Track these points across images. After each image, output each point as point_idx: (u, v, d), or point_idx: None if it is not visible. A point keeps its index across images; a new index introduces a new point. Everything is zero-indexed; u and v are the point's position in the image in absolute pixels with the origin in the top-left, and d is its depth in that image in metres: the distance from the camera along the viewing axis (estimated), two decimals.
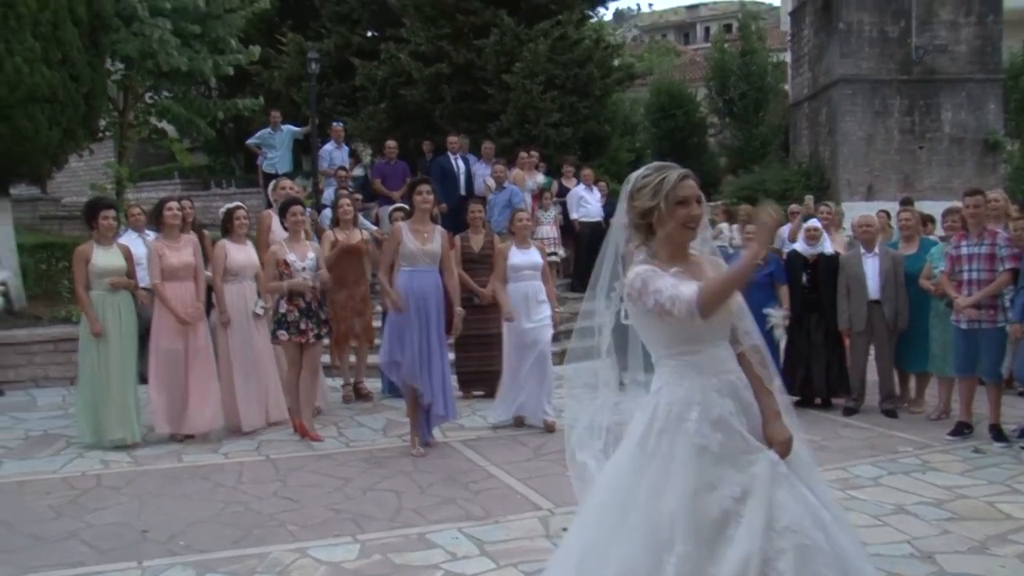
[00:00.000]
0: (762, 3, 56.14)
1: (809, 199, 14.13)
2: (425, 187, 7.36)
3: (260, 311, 8.24)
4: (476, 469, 6.97)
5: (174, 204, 7.92)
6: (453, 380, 9.11)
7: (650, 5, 57.06)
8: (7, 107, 10.05)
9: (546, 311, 8.24)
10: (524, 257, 8.29)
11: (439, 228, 7.47)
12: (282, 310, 7.67)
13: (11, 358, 10.18)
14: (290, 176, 13.38)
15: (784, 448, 3.11)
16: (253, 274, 8.20)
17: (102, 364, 7.49)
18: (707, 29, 62.02)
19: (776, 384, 3.29)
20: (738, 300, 3.26)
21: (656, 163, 3.31)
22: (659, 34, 63.45)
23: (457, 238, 9.50)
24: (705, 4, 65.53)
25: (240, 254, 8.11)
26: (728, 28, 55.15)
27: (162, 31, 11.10)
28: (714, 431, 3.08)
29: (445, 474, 6.81)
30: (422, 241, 7.23)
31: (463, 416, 8.66)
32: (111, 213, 7.68)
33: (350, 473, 6.83)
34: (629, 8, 68.35)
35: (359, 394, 9.38)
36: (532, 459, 7.25)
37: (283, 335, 7.64)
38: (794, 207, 13.33)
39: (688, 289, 3.01)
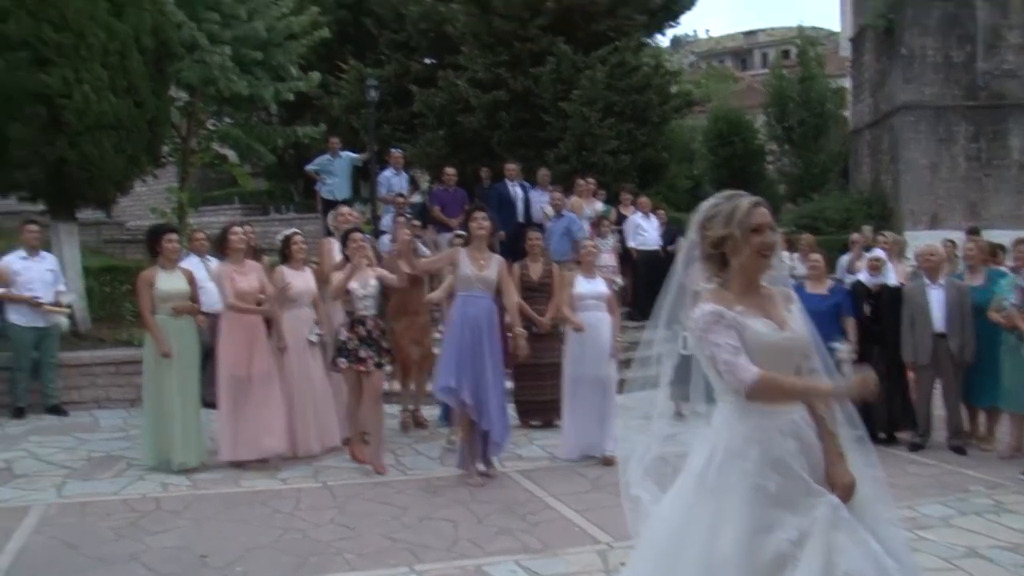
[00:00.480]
0: (820, 28, 55.84)
1: (867, 229, 13.87)
2: (481, 214, 7.38)
3: (315, 338, 8.24)
4: (534, 500, 6.89)
5: (239, 229, 7.99)
6: (511, 408, 9.09)
7: (707, 31, 56.78)
8: (76, 134, 10.24)
9: (608, 342, 8.11)
10: (589, 287, 8.21)
11: (497, 257, 7.45)
12: (343, 337, 7.62)
13: (75, 379, 10.33)
14: (348, 202, 13.49)
15: (846, 492, 3.02)
16: (310, 300, 8.22)
17: (165, 388, 7.55)
18: (764, 55, 61.73)
19: (843, 419, 3.22)
20: (806, 336, 3.18)
21: (726, 192, 3.24)
22: (716, 60, 63.28)
23: (516, 266, 9.46)
24: (763, 30, 65.20)
25: (298, 280, 8.12)
26: (786, 54, 54.88)
27: (222, 58, 11.25)
28: (773, 472, 3.02)
29: (502, 504, 6.74)
30: (479, 268, 7.23)
31: (520, 446, 8.61)
32: (175, 236, 7.79)
33: (407, 501, 6.79)
34: (686, 34, 68.25)
35: (416, 422, 9.35)
36: (590, 491, 7.15)
37: (342, 363, 7.59)
38: (855, 236, 13.12)
39: (746, 369, 2.98)
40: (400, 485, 7.27)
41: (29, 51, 10.03)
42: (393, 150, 14.87)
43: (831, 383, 3.00)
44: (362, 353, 7.56)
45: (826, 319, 8.33)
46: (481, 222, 7.31)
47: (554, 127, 16.31)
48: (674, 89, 18.20)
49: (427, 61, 19.41)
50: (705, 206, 3.22)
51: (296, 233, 8.31)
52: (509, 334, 7.67)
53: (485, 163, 15.97)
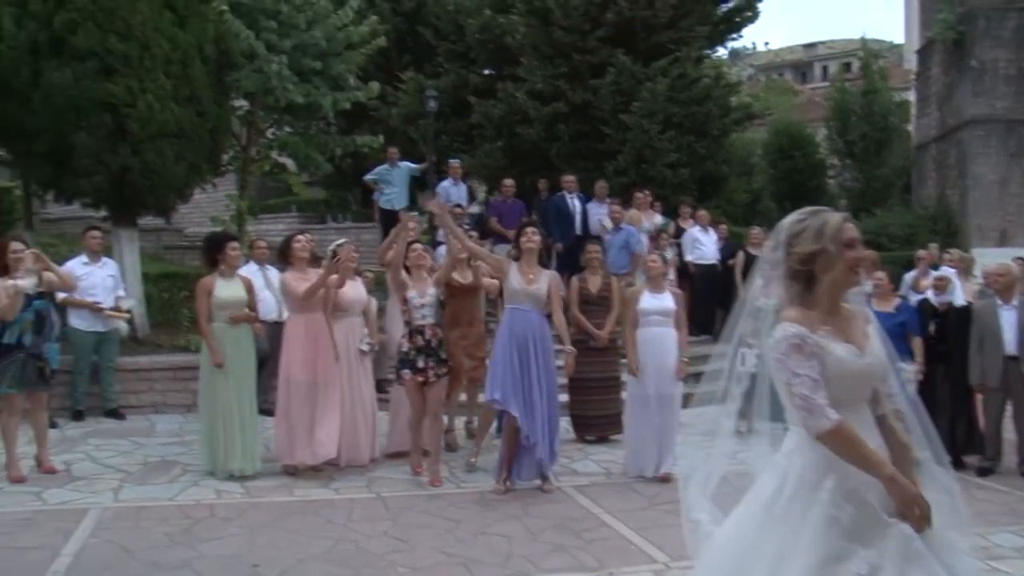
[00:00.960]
0: (883, 41, 55.05)
1: (933, 246, 13.54)
2: (532, 228, 7.44)
3: (366, 347, 8.25)
4: (589, 516, 6.78)
5: (302, 237, 8.00)
6: (566, 423, 8.98)
7: (766, 44, 56.18)
8: (139, 143, 10.36)
9: (673, 359, 7.94)
10: (655, 302, 8.01)
11: (548, 272, 7.37)
12: (404, 348, 7.58)
13: (133, 384, 10.43)
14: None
15: (920, 522, 2.87)
16: (361, 310, 8.26)
17: (221, 395, 7.56)
18: (825, 68, 61.04)
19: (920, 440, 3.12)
20: (884, 360, 3.08)
21: (808, 208, 3.13)
22: (775, 73, 62.62)
23: (574, 279, 9.38)
24: (824, 42, 64.45)
25: (349, 290, 8.11)
26: (847, 67, 54.29)
27: (280, 67, 11.31)
28: (847, 502, 2.91)
29: (557, 520, 6.63)
30: (527, 281, 7.15)
31: (575, 460, 8.50)
32: (237, 244, 7.83)
33: (461, 515, 6.71)
34: (745, 47, 67.64)
35: (469, 434, 9.24)
36: (647, 508, 7.02)
37: (406, 374, 7.53)
38: (921, 253, 12.83)
39: (823, 414, 2.89)
40: (454, 498, 7.20)
41: (96, 61, 10.18)
42: (451, 160, 14.85)
43: (900, 477, 2.87)
44: (420, 363, 7.49)
45: (892, 338, 8.05)
46: (532, 236, 7.32)
47: (613, 139, 16.16)
48: (734, 102, 17.95)
49: (485, 72, 19.39)
50: (788, 222, 3.11)
51: (345, 242, 8.28)
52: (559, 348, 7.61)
53: (543, 175, 15.89)
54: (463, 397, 9.39)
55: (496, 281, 7.98)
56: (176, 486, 7.43)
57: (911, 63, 33.90)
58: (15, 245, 7.32)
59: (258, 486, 7.46)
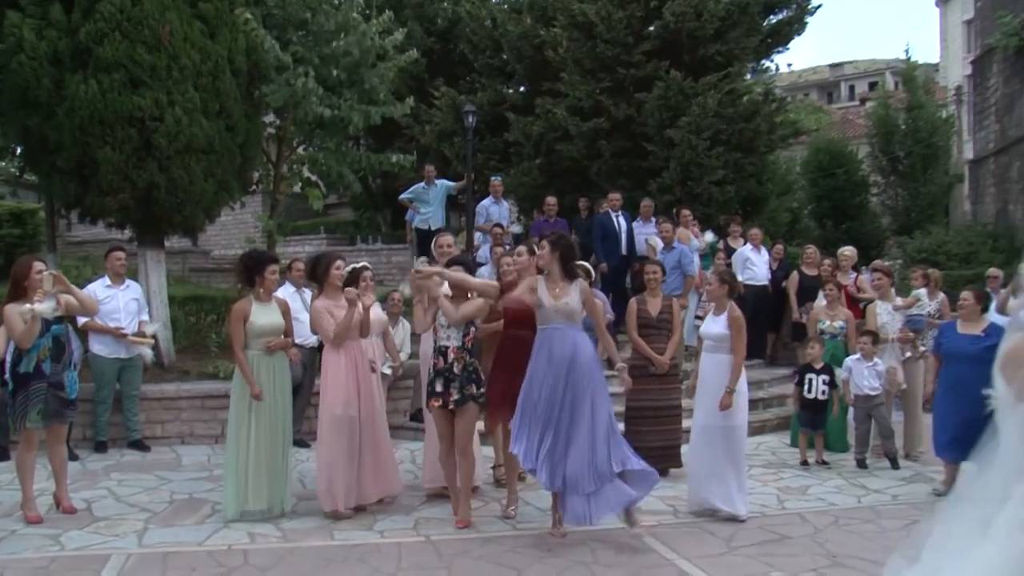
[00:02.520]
0: (905, 59, 54.41)
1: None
2: (544, 242, 6.70)
3: (388, 370, 7.86)
4: (664, 564, 6.08)
5: (342, 263, 7.36)
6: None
7: (789, 65, 55.47)
8: (166, 158, 9.81)
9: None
10: (715, 326, 7.38)
11: (578, 282, 6.57)
12: (430, 372, 6.96)
13: (158, 413, 9.82)
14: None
15: None
16: (380, 331, 7.77)
17: (253, 429, 6.93)
18: (852, 87, 60.49)
19: None
20: None
21: None
22: (801, 93, 61.93)
23: (632, 301, 8.73)
24: (849, 62, 63.91)
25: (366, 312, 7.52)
26: (872, 86, 53.73)
27: (306, 79, 10.72)
28: None
29: (630, 569, 5.95)
30: (554, 296, 6.46)
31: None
32: (276, 268, 7.23)
33: (521, 562, 6.04)
34: (767, 68, 66.96)
35: (498, 482, 8.41)
36: (725, 552, 6.32)
37: (434, 401, 6.87)
38: (993, 271, 12.11)
39: None
40: (511, 542, 6.51)
41: (122, 73, 9.64)
42: (493, 178, 14.24)
43: None
44: (439, 386, 6.81)
45: (981, 363, 7.42)
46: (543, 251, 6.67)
47: (657, 156, 15.50)
48: (778, 119, 17.25)
49: (522, 89, 18.85)
50: None
51: (365, 267, 7.65)
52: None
53: (582, 194, 15.31)
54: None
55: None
56: (206, 528, 6.80)
57: (946, 79, 33.24)
58: (37, 265, 6.72)
59: (295, 528, 6.81)
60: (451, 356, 6.79)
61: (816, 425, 9.12)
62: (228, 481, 7.05)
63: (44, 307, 6.51)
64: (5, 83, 9.97)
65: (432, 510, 7.29)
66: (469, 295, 6.90)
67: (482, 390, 6.90)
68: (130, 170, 9.75)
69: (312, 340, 9.02)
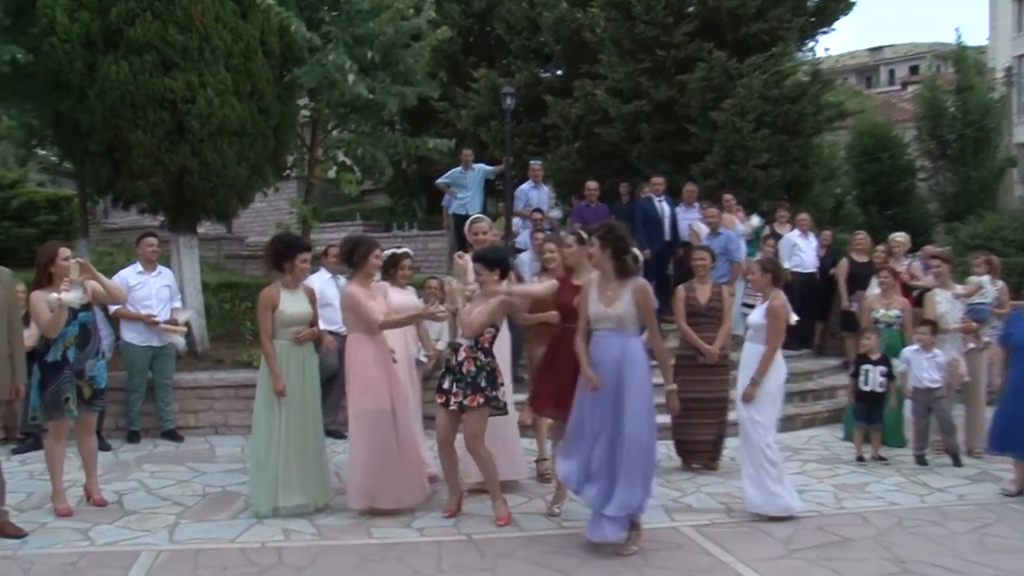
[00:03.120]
0: (945, 44, 53.63)
1: None
2: (592, 238, 6.19)
3: (424, 358, 7.61)
4: (720, 567, 5.74)
5: (380, 251, 7.03)
6: (666, 448, 8.01)
7: (826, 50, 54.53)
8: (198, 141, 9.57)
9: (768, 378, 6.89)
10: (755, 315, 7.07)
11: (632, 283, 6.01)
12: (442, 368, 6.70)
13: (192, 403, 9.60)
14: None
15: None
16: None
17: (283, 421, 6.65)
18: (891, 71, 59.65)
19: None
20: None
21: None
22: (839, 78, 61.04)
23: (680, 289, 8.38)
24: (888, 46, 62.95)
25: (400, 299, 7.27)
26: (913, 70, 52.92)
27: (340, 58, 10.40)
28: None
29: (683, 571, 5.62)
30: (606, 302, 5.98)
31: (687, 493, 7.44)
32: (308, 256, 6.91)
33: (569, 564, 5.72)
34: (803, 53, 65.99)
35: (541, 477, 7.91)
36: (785, 556, 5.97)
37: (438, 398, 6.55)
38: None
39: None
40: (557, 542, 6.18)
41: (154, 54, 9.41)
42: (532, 162, 13.89)
43: None
44: (445, 383, 6.47)
45: None
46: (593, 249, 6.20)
47: (700, 139, 15.07)
48: (823, 100, 16.72)
49: (559, 72, 18.47)
50: None
51: (406, 254, 7.41)
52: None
53: (622, 178, 14.92)
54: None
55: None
56: (239, 524, 6.54)
57: (994, 60, 32.42)
58: (63, 251, 6.49)
59: (331, 525, 6.53)
60: (462, 355, 6.44)
61: (872, 419, 8.71)
62: (256, 477, 6.77)
63: (71, 296, 6.27)
64: (38, 66, 9.78)
65: (472, 505, 6.96)
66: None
67: (495, 393, 6.48)
68: (162, 154, 9.54)
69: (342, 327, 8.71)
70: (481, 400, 6.39)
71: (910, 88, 41.77)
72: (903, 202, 23.34)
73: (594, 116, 15.96)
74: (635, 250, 6.26)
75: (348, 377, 6.82)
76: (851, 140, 24.99)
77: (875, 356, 8.77)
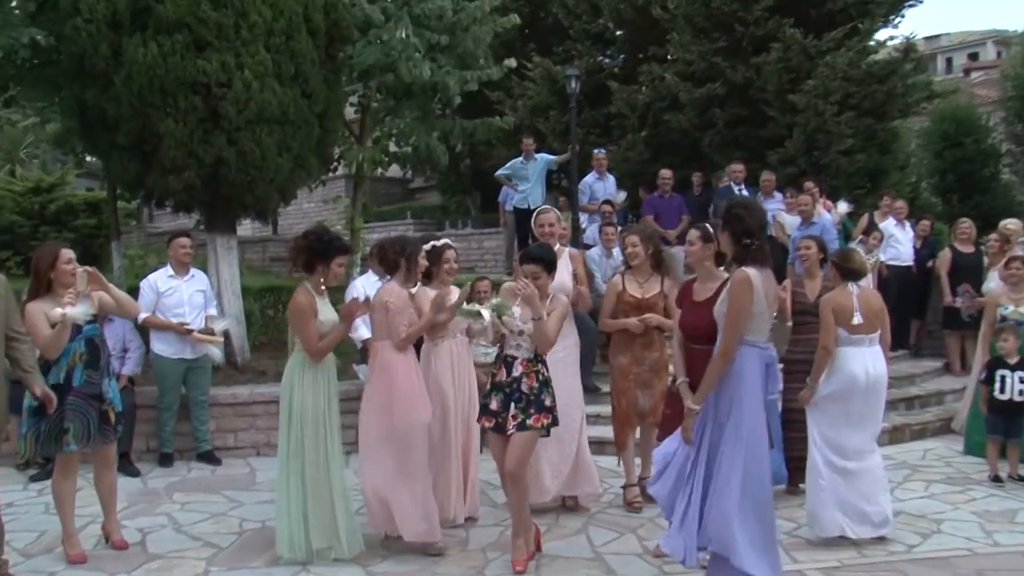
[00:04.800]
0: (1003, 30, 51.90)
1: None
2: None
3: (486, 353, 6.70)
4: None
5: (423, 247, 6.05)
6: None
7: (913, 33, 53.53)
8: (235, 129, 8.63)
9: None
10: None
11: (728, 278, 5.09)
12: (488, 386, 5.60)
13: (230, 420, 8.64)
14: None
15: None
16: (463, 329, 6.25)
17: (321, 448, 5.64)
18: (948, 60, 58.49)
19: None
20: None
21: None
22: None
23: (787, 283, 7.23)
24: (945, 34, 61.54)
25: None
26: (973, 56, 51.33)
27: (404, 37, 9.40)
28: None
29: None
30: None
31: (801, 523, 6.28)
32: (345, 260, 5.94)
33: None
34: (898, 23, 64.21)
35: (644, 493, 6.77)
36: None
37: (486, 421, 5.50)
38: None
39: None
40: None
41: (185, 34, 8.48)
42: (596, 151, 12.80)
43: None
44: (494, 404, 5.40)
45: None
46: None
47: (779, 123, 13.87)
48: (913, 80, 15.41)
49: (621, 57, 17.37)
50: None
51: (447, 245, 6.31)
52: None
53: (694, 168, 13.80)
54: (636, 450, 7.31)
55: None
56: (279, 572, 5.54)
57: None
58: (65, 254, 5.52)
59: (387, 573, 5.51)
60: (519, 370, 5.38)
61: (1010, 432, 7.50)
62: (282, 517, 5.74)
63: (78, 311, 5.26)
64: (62, 52, 8.91)
65: (556, 546, 5.90)
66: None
67: (555, 414, 5.46)
68: (195, 144, 8.59)
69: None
70: (547, 421, 5.37)
71: (974, 75, 40.16)
72: (986, 190, 21.84)
73: (662, 102, 14.89)
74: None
75: (374, 390, 5.83)
76: (929, 125, 23.46)
77: (1013, 360, 7.56)
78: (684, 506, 4.79)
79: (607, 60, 17.52)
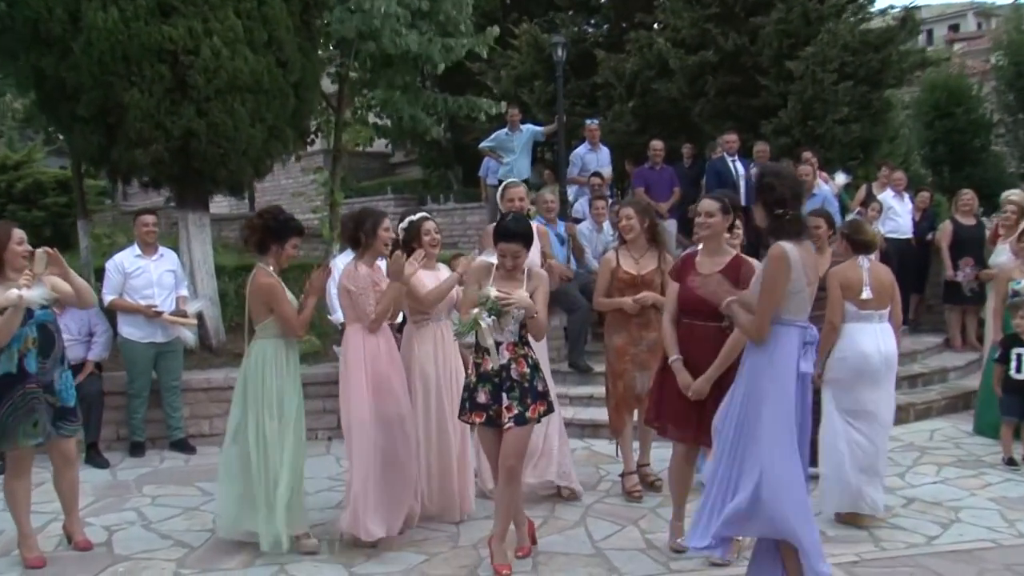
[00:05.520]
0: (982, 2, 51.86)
1: None
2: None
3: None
4: None
5: (390, 223, 5.63)
6: None
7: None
8: (204, 99, 8.12)
9: None
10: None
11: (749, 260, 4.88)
12: (472, 378, 5.01)
13: (205, 407, 8.21)
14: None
15: None
16: (448, 310, 5.81)
17: (271, 426, 5.30)
18: (929, 32, 58.25)
19: None
20: None
21: None
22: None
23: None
24: (927, 5, 61.40)
25: (431, 281, 5.75)
26: (954, 28, 51.21)
27: (386, 2, 8.89)
28: None
29: None
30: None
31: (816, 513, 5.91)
32: (300, 242, 5.55)
33: None
34: None
35: (644, 481, 6.53)
36: None
37: (476, 416, 4.93)
38: None
39: None
40: None
41: None
42: (589, 122, 12.29)
43: None
44: (482, 397, 4.88)
45: None
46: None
47: (772, 92, 13.42)
48: (906, 47, 15.00)
49: (605, 28, 16.88)
50: None
51: (426, 219, 5.88)
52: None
53: (683, 139, 13.38)
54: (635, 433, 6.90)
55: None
56: (254, 573, 5.12)
57: None
58: (17, 234, 5.05)
59: (371, 573, 5.09)
60: (505, 356, 4.85)
61: None
62: (231, 497, 5.49)
63: (34, 295, 4.80)
64: (15, 17, 8.35)
65: (552, 545, 5.51)
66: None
67: (550, 399, 5.05)
68: (162, 116, 8.07)
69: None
70: (543, 408, 4.92)
71: (956, 46, 39.81)
72: (977, 162, 21.45)
73: (651, 70, 14.38)
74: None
75: (354, 380, 5.38)
76: (919, 95, 23.03)
77: None
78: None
79: (592, 28, 16.99)
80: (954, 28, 55.09)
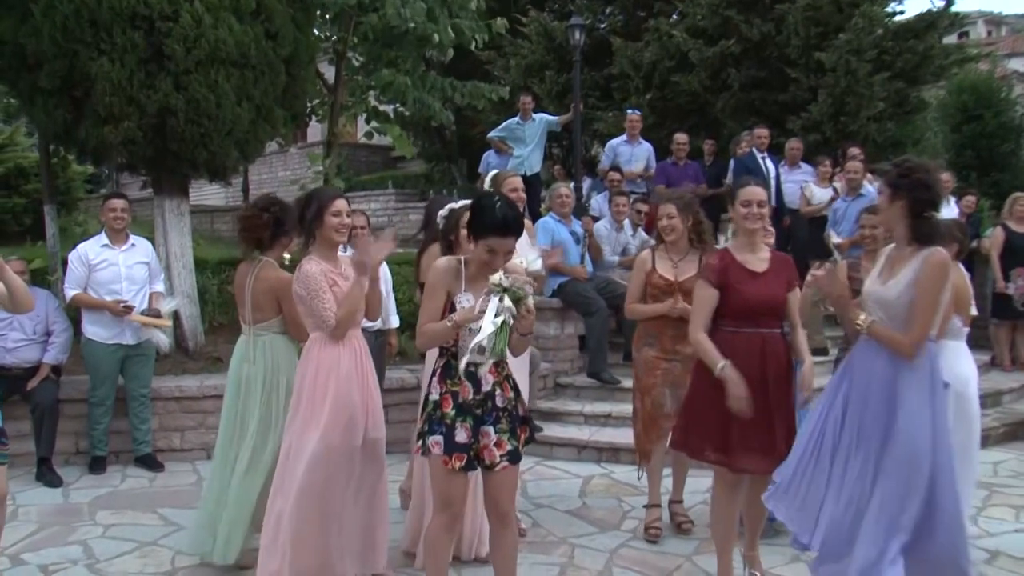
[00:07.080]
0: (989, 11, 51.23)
1: None
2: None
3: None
4: None
5: (344, 206, 4.70)
6: None
7: None
8: (183, 72, 7.25)
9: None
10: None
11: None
12: (434, 395, 3.88)
13: (177, 418, 7.32)
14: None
15: None
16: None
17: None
18: (939, 39, 58.13)
19: None
20: None
21: None
22: None
23: (842, 265, 5.93)
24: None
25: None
26: (964, 35, 50.56)
27: None
28: None
29: None
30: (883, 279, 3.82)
31: None
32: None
33: None
34: None
35: (673, 520, 5.60)
36: None
37: (435, 445, 3.80)
38: None
39: None
40: None
41: None
42: (630, 112, 11.40)
43: None
44: (462, 435, 3.77)
45: None
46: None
47: (800, 86, 12.52)
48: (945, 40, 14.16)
49: (621, 17, 16.00)
50: None
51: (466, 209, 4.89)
52: None
53: (706, 135, 12.52)
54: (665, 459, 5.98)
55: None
56: None
57: None
58: None
59: None
60: (490, 380, 3.79)
61: None
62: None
63: None
64: None
65: None
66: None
67: (531, 423, 4.03)
68: (135, 89, 7.21)
69: (374, 324, 6.27)
70: (527, 435, 3.93)
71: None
72: (1005, 167, 20.55)
73: (670, 61, 13.48)
74: None
75: (299, 394, 4.44)
76: (945, 97, 22.14)
77: None
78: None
79: (607, 17, 16.13)
80: (963, 36, 54.60)
